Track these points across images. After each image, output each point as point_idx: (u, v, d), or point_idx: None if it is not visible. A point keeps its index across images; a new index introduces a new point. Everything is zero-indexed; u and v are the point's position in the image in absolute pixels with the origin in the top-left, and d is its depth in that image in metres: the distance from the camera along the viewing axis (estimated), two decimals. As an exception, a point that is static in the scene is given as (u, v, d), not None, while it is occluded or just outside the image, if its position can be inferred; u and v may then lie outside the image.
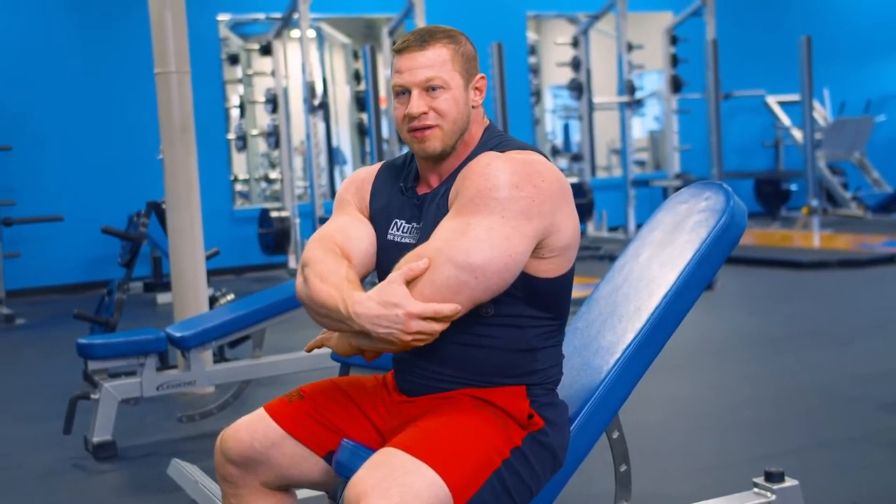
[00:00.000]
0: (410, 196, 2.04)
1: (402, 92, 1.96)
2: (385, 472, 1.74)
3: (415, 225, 2.01)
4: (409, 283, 1.81)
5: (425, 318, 1.79)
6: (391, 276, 1.83)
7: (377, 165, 2.17)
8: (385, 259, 2.02)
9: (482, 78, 2.02)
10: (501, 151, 1.93)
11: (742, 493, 2.35)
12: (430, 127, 1.94)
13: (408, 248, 1.96)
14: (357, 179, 2.14)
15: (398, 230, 2.03)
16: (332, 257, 1.96)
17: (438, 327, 1.80)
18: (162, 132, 4.88)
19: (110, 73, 8.96)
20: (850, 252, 8.32)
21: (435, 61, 1.94)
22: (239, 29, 10.31)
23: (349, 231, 2.05)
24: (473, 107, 2.00)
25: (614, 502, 2.22)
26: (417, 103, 1.94)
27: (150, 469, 3.80)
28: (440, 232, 1.86)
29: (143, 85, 7.35)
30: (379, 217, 2.07)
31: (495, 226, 1.82)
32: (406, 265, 1.82)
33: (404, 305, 1.78)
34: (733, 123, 11.71)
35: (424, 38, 1.95)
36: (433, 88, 1.94)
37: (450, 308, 1.79)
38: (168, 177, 4.88)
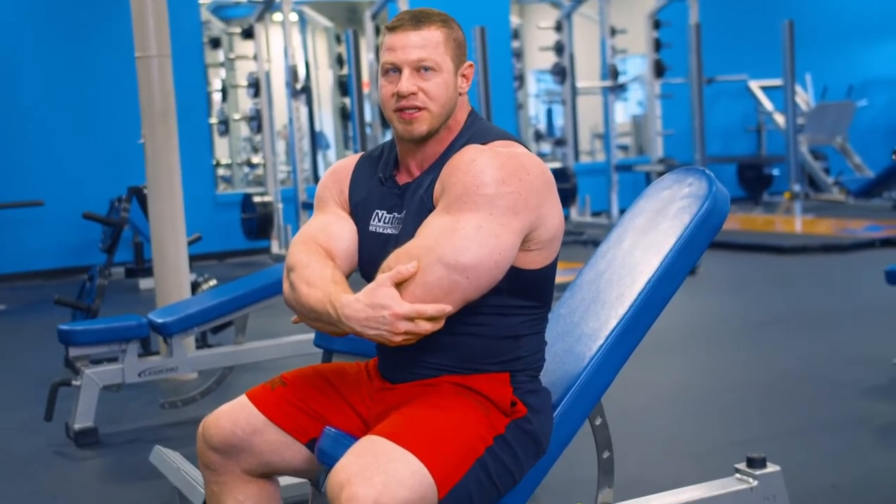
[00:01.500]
0: (390, 186, 2.03)
1: (393, 70, 1.95)
2: (368, 459, 1.73)
3: (396, 215, 2.00)
4: (400, 284, 1.80)
5: (413, 319, 1.78)
6: (380, 277, 1.82)
7: (355, 158, 2.15)
8: (367, 251, 2.01)
9: (470, 66, 2.01)
10: (483, 143, 1.92)
11: (724, 479, 2.35)
12: (418, 109, 1.93)
13: (390, 238, 1.95)
14: (334, 174, 2.13)
15: (380, 221, 2.02)
16: (316, 259, 1.95)
17: (428, 326, 1.80)
18: (143, 116, 4.84)
19: (91, 57, 8.89)
20: (832, 237, 8.36)
21: (429, 42, 1.93)
22: (221, 12, 10.25)
23: (331, 229, 2.04)
24: (460, 93, 1.99)
25: (597, 489, 2.22)
26: (408, 83, 1.93)
27: (132, 456, 3.79)
28: (428, 229, 1.85)
29: (123, 69, 7.28)
30: (360, 209, 2.06)
31: (484, 224, 1.82)
32: (395, 266, 1.81)
33: (392, 307, 1.78)
34: (716, 108, 11.72)
35: (419, 19, 1.94)
36: (425, 69, 1.93)
37: (434, 308, 1.79)
38: (149, 161, 4.85)
